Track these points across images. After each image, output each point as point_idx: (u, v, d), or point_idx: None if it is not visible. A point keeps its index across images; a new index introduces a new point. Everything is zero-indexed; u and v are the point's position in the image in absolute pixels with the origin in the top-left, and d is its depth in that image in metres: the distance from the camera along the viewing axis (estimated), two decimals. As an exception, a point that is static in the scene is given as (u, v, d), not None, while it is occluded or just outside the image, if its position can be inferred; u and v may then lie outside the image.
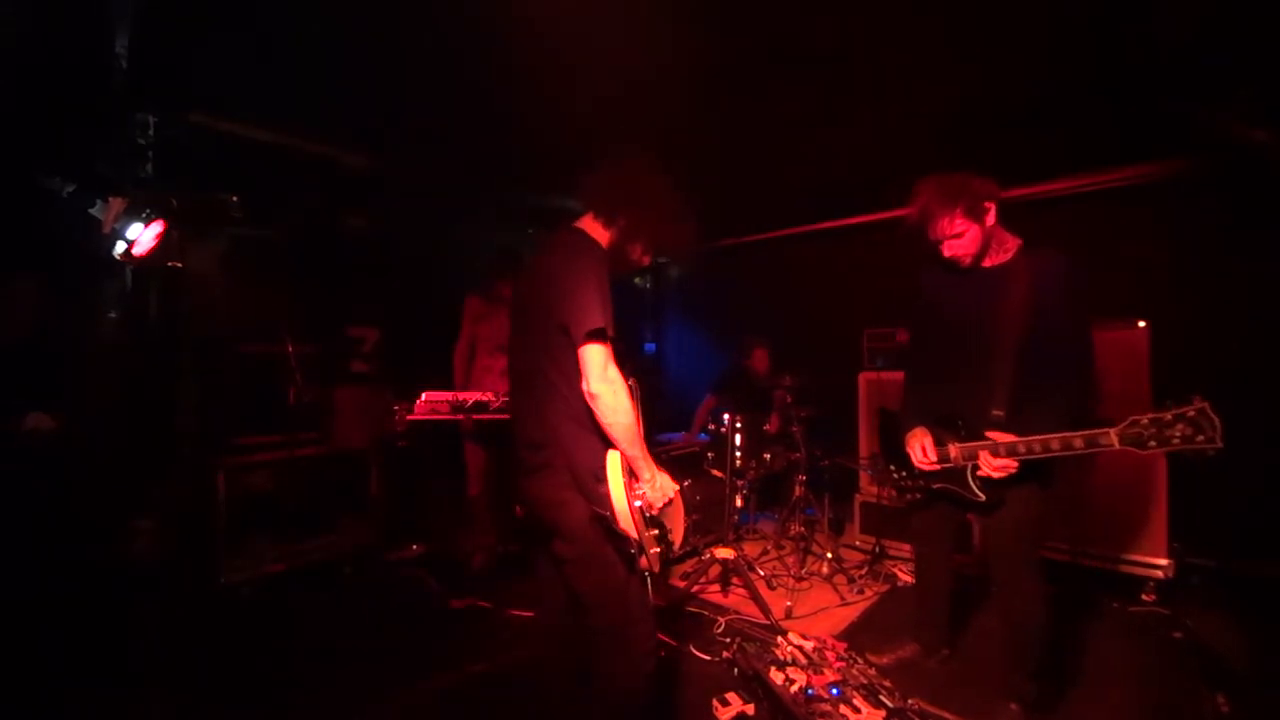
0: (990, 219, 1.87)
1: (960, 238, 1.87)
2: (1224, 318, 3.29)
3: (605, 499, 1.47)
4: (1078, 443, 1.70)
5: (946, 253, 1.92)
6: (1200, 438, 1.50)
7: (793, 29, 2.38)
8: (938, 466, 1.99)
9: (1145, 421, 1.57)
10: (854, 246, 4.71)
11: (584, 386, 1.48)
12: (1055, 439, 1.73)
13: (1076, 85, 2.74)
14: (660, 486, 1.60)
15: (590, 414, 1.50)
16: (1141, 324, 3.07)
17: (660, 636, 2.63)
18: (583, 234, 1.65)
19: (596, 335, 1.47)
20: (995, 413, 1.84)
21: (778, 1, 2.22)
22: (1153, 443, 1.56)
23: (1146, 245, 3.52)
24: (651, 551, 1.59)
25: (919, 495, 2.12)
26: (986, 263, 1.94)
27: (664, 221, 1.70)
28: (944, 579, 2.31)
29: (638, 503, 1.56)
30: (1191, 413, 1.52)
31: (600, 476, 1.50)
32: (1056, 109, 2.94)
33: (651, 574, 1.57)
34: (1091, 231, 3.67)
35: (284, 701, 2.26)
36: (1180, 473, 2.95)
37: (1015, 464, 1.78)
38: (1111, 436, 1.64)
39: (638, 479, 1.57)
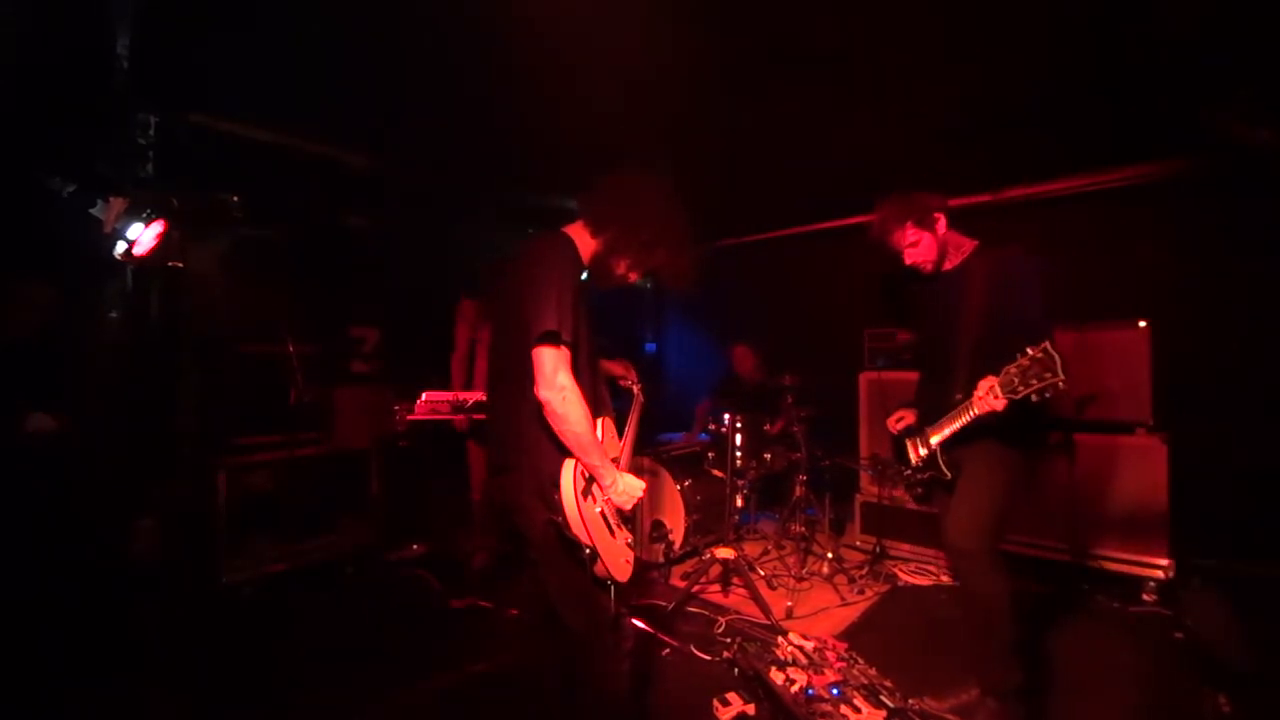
0: (941, 227, 2.08)
1: (916, 246, 2.09)
2: (1224, 318, 3.29)
3: (559, 505, 1.47)
4: (973, 408, 1.86)
5: (907, 260, 2.13)
6: (1048, 374, 1.63)
7: (793, 29, 2.38)
8: (897, 430, 2.28)
9: (1014, 370, 1.70)
10: (854, 246, 4.69)
11: (535, 391, 1.46)
12: (960, 407, 1.91)
13: (1076, 85, 2.74)
14: (624, 489, 1.59)
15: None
16: (1142, 324, 3.08)
17: (661, 636, 2.64)
18: (562, 238, 1.63)
19: (547, 339, 1.44)
20: (957, 397, 1.96)
21: (778, 1, 2.22)
22: (1021, 387, 1.68)
23: (1146, 245, 3.52)
24: (621, 560, 1.58)
25: (920, 489, 2.23)
26: (946, 266, 2.13)
27: (654, 246, 1.66)
28: None
29: (597, 509, 1.55)
30: (1039, 353, 1.64)
31: (556, 483, 1.49)
32: (1056, 109, 2.94)
33: (615, 582, 1.55)
34: (1091, 231, 3.68)
35: (284, 701, 2.26)
36: (1180, 473, 2.96)
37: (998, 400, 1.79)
38: (995, 384, 1.76)
39: (600, 486, 1.56)
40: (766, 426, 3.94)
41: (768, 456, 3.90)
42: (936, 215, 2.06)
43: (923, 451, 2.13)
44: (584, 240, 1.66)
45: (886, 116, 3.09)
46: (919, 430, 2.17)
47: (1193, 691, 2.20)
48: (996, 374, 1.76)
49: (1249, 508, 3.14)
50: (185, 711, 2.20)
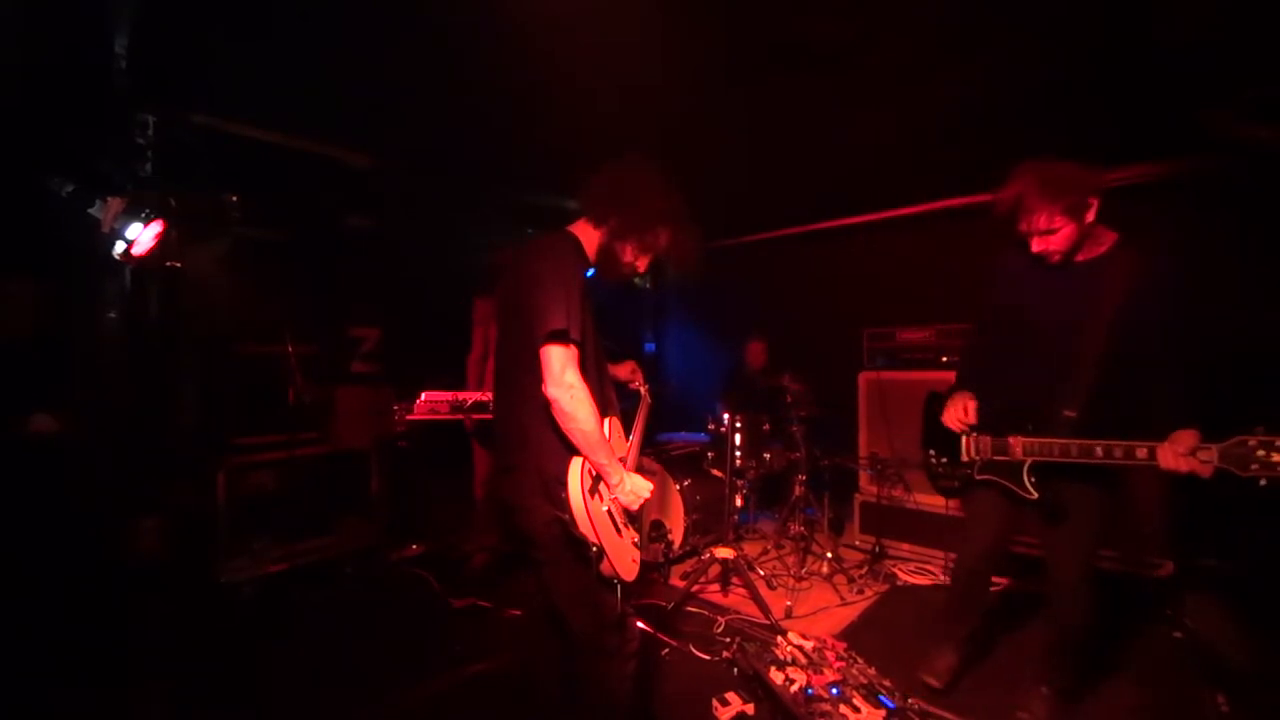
0: (1090, 216, 1.76)
1: (1054, 234, 1.77)
2: (1223, 317, 3.28)
3: (565, 503, 1.47)
4: (1148, 457, 1.60)
5: (1036, 247, 1.83)
6: None
7: (793, 29, 2.38)
8: (967, 423, 1.96)
9: (1254, 443, 1.40)
10: (854, 246, 4.71)
11: (543, 390, 1.46)
12: (1145, 447, 1.60)
13: (1077, 85, 2.73)
14: (631, 489, 1.59)
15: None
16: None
17: (660, 636, 2.64)
18: (566, 235, 1.63)
19: (555, 337, 1.44)
20: (1067, 413, 1.76)
21: (778, 2, 2.22)
22: (1255, 465, 1.40)
23: (1147, 245, 3.51)
24: (628, 559, 1.57)
25: (956, 484, 2.07)
26: (1080, 257, 1.84)
27: (656, 223, 1.65)
28: (985, 598, 2.29)
29: (604, 507, 1.54)
30: None
31: (563, 481, 1.48)
32: (1057, 108, 2.94)
33: (621, 582, 1.54)
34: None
35: (284, 701, 2.26)
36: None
37: (1201, 466, 1.53)
38: (1213, 452, 1.50)
39: (607, 485, 1.56)
40: (765, 426, 3.94)
41: (767, 456, 3.90)
42: (1091, 201, 1.74)
43: (993, 454, 1.90)
44: (588, 236, 1.66)
45: (886, 116, 3.08)
46: (992, 429, 1.94)
47: (1192, 691, 2.20)
48: (1189, 426, 1.48)
49: (1248, 508, 3.13)
50: (185, 711, 2.20)
